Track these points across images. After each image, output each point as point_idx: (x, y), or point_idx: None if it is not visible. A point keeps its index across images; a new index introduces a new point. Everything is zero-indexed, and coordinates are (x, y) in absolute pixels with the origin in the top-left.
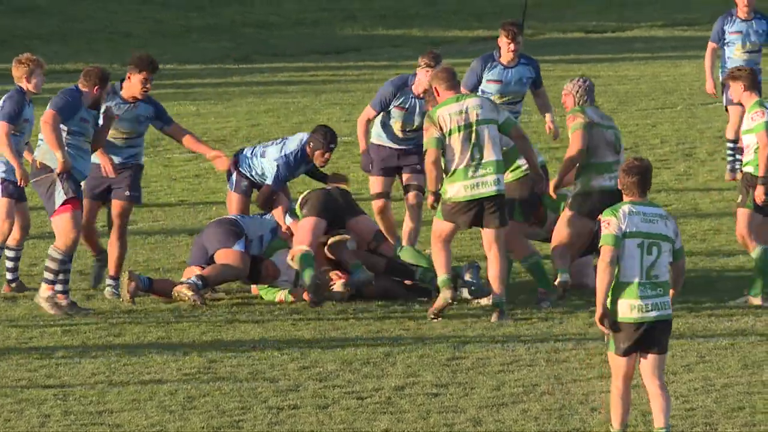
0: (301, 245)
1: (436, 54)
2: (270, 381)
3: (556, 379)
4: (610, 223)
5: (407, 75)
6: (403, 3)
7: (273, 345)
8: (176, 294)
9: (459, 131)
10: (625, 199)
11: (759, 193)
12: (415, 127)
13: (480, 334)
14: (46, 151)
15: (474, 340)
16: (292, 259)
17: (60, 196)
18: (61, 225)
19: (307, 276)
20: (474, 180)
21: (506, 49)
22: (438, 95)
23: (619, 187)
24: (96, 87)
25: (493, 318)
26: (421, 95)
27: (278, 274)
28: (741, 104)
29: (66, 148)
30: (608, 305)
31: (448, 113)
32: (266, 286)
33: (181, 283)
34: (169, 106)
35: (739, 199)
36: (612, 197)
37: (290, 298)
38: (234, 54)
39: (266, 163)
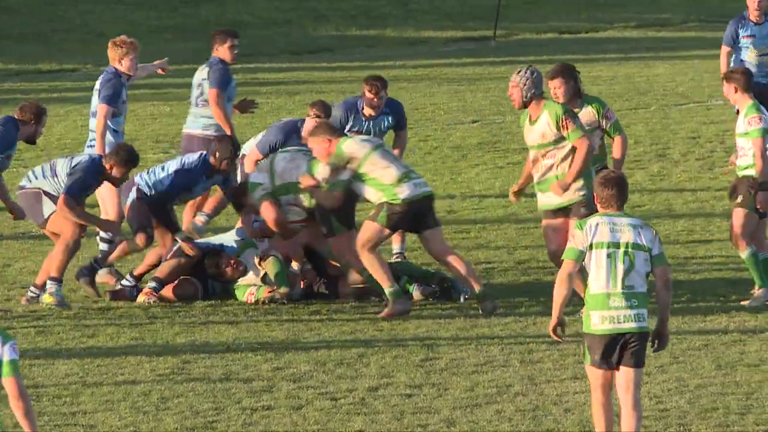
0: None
1: (325, 104)
2: (244, 382)
3: (529, 380)
4: (575, 236)
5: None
6: (375, 3)
7: (247, 346)
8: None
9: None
10: (601, 211)
11: (762, 200)
12: None
13: (454, 335)
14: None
15: (448, 341)
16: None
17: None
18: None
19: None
20: (414, 181)
21: (369, 104)
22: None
23: (596, 201)
24: (31, 121)
25: (484, 307)
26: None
27: (239, 274)
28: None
29: None
30: (583, 317)
31: (359, 140)
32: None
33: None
34: (144, 107)
35: (740, 199)
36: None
37: (263, 293)
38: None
39: (163, 174)
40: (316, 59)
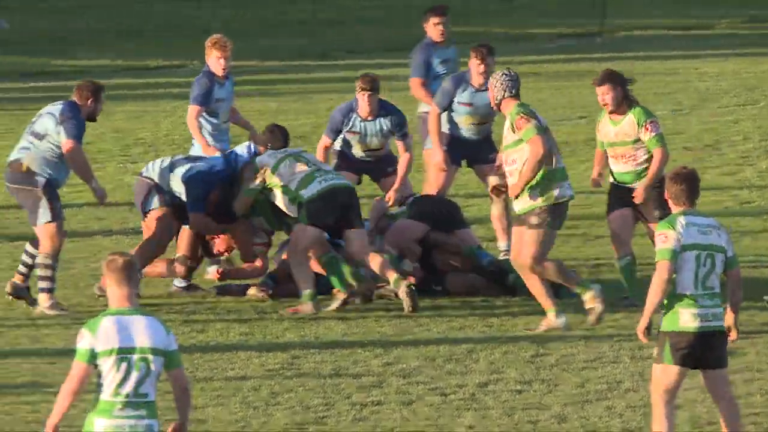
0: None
1: (373, 77)
2: (353, 377)
3: (640, 376)
4: (668, 237)
5: (353, 101)
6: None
7: (356, 341)
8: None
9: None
10: (674, 209)
11: None
12: (373, 147)
13: (563, 331)
14: (36, 158)
15: (558, 337)
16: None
17: (45, 215)
18: (48, 233)
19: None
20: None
21: (476, 70)
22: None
23: (666, 197)
24: (89, 100)
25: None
26: (369, 117)
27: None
28: None
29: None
30: (664, 316)
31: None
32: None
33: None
34: (251, 103)
35: None
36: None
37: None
38: (313, 50)
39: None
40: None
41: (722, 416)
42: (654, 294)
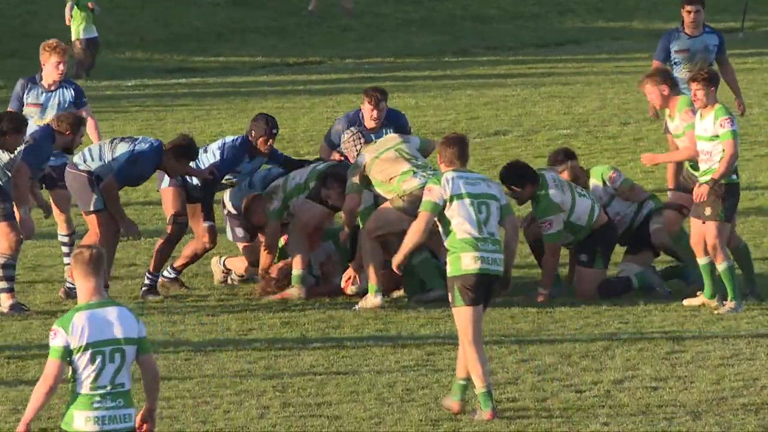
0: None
1: (381, 91)
2: (489, 374)
3: None
4: (431, 191)
5: (357, 110)
6: None
7: (491, 337)
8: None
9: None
10: (446, 169)
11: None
12: None
13: (699, 328)
14: None
15: (693, 334)
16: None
17: None
18: (3, 232)
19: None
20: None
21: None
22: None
23: (440, 161)
24: (68, 132)
25: None
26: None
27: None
28: None
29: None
30: (450, 260)
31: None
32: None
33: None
34: (389, 100)
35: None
36: None
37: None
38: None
39: (206, 157)
40: (561, 51)
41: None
42: (410, 239)
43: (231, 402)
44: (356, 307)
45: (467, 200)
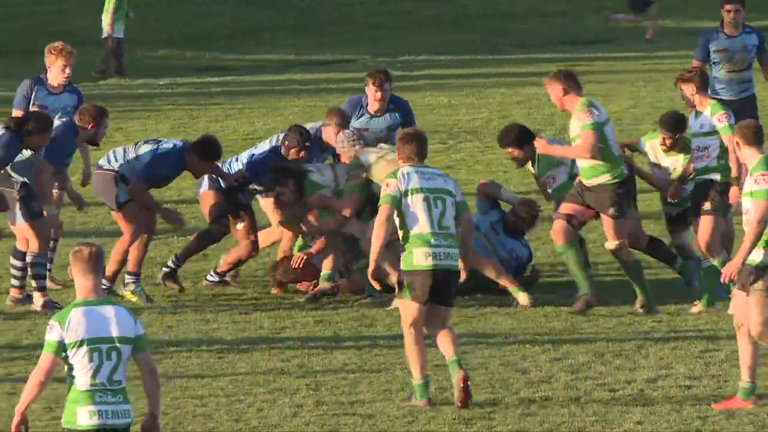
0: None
1: (384, 72)
2: (522, 372)
3: None
4: (389, 185)
5: (361, 95)
6: None
7: (525, 336)
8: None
9: None
10: (404, 165)
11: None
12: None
13: (733, 327)
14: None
15: (727, 332)
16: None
17: (23, 216)
18: (32, 231)
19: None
20: None
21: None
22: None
23: (398, 158)
24: (90, 124)
25: None
26: (378, 113)
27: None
28: None
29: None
30: (403, 256)
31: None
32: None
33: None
34: (421, 98)
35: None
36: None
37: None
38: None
39: (236, 165)
40: (591, 50)
41: (439, 343)
42: (374, 235)
43: (264, 400)
44: (389, 306)
45: (422, 195)
